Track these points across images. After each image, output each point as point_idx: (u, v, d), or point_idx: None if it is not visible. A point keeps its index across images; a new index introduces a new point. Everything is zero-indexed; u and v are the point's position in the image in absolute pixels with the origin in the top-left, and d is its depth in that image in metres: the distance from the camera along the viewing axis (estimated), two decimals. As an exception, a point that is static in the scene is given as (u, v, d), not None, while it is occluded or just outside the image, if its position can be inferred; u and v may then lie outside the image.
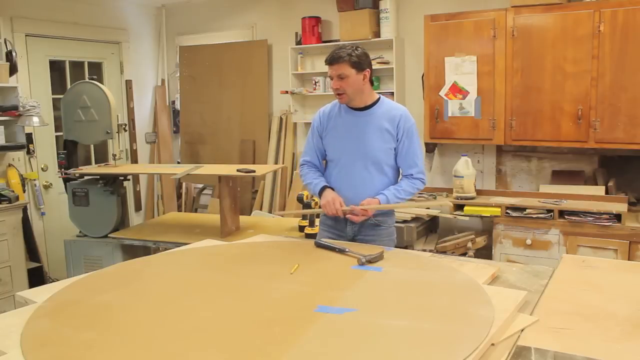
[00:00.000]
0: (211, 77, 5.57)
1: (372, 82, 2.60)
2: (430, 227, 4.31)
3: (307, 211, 3.22)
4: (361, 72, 2.49)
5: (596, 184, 3.94)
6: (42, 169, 4.88)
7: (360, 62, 2.47)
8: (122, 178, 3.84)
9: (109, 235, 3.71)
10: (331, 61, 2.48)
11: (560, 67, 3.71)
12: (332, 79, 2.52)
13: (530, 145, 4.04)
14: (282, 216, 4.34)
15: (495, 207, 3.88)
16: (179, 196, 5.88)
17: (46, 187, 4.92)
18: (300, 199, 3.34)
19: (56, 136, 4.93)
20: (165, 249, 3.06)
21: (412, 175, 2.57)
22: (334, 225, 2.64)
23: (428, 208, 3.93)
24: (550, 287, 1.86)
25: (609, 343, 1.42)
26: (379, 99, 2.61)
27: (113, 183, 3.76)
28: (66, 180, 3.84)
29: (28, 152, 4.68)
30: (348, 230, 2.60)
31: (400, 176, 2.64)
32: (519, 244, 3.78)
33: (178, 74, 5.79)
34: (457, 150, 4.37)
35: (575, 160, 4.11)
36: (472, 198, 4.03)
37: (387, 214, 2.63)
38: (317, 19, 4.87)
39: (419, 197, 4.22)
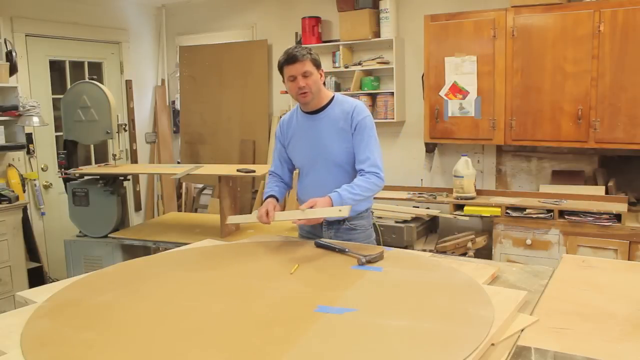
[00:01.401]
0: (211, 77, 5.57)
1: (324, 83, 2.55)
2: (430, 227, 4.31)
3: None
4: (319, 71, 2.45)
5: (596, 184, 3.94)
6: (42, 169, 4.88)
7: (318, 61, 2.45)
8: (122, 178, 3.84)
9: (109, 235, 3.72)
10: (294, 60, 2.37)
11: (560, 67, 3.71)
12: (293, 79, 2.40)
13: (530, 145, 4.04)
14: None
15: (495, 207, 3.88)
16: (179, 196, 5.88)
17: (46, 187, 4.92)
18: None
19: (56, 136, 4.93)
20: (165, 249, 3.06)
21: (363, 170, 2.41)
22: (311, 230, 2.60)
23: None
24: (550, 287, 1.86)
25: (609, 343, 1.42)
26: (332, 97, 2.53)
27: (113, 183, 3.76)
28: (66, 180, 3.84)
29: (28, 152, 4.68)
30: (324, 234, 2.56)
31: None
32: (519, 244, 3.78)
33: (178, 74, 5.79)
34: (457, 150, 4.37)
35: (575, 160, 4.11)
36: (472, 198, 4.03)
37: (361, 217, 2.55)
38: (317, 19, 4.87)
39: (418, 196, 4.23)
